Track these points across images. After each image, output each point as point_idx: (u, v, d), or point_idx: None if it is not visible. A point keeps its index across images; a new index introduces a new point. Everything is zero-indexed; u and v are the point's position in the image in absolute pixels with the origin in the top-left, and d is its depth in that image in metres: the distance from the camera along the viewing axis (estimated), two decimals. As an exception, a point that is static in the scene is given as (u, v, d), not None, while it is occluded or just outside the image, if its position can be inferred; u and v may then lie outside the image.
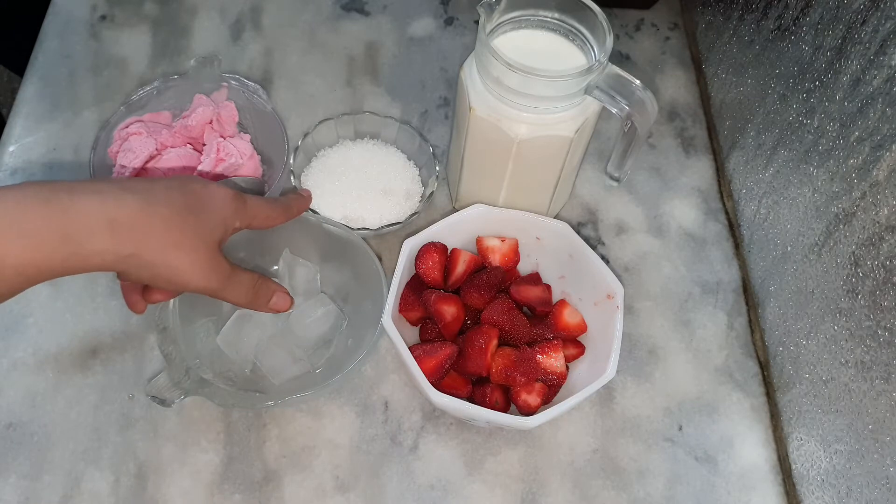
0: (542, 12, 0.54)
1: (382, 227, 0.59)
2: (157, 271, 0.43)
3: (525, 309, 0.57)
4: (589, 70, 0.50)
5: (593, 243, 0.65)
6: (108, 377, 0.56)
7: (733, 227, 0.66)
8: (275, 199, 0.53)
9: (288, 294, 0.52)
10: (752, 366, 0.60)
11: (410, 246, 0.55)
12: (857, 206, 0.48)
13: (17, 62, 0.80)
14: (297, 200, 0.55)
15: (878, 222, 0.45)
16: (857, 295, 0.47)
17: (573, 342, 0.56)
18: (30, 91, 0.70)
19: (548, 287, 0.58)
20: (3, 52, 1.03)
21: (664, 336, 0.61)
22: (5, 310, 0.58)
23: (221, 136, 0.62)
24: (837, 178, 0.50)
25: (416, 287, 0.56)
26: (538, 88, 0.50)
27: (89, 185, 0.41)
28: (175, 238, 0.43)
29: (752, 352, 0.61)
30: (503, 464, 0.54)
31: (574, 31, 0.53)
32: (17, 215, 0.38)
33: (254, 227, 0.50)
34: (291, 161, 0.61)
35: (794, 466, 0.54)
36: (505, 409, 0.53)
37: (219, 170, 0.59)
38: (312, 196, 0.58)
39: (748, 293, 0.63)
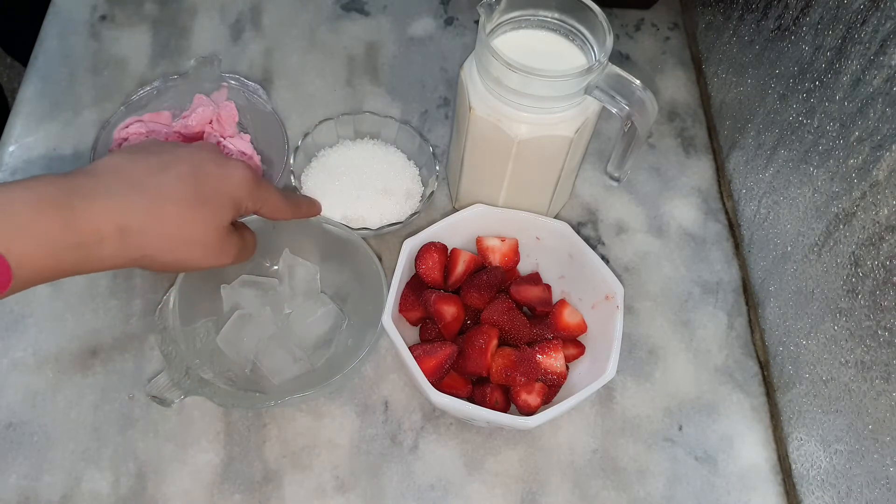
0: (542, 12, 0.54)
1: (382, 227, 0.59)
2: (168, 266, 0.45)
3: (525, 309, 0.57)
4: (589, 70, 0.50)
5: (593, 243, 0.65)
6: (108, 377, 0.56)
7: (733, 227, 0.66)
8: (288, 193, 0.53)
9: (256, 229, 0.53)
10: (752, 366, 0.60)
11: (410, 246, 0.55)
12: (857, 206, 0.48)
13: (22, 52, 0.80)
14: (308, 204, 0.56)
15: (878, 222, 0.45)
16: (857, 295, 0.47)
17: (573, 342, 0.56)
18: (30, 91, 0.69)
19: (548, 287, 0.58)
20: (7, 41, 1.03)
21: (664, 336, 0.61)
22: (5, 310, 0.58)
23: (221, 136, 0.62)
24: (837, 178, 0.50)
25: (416, 287, 0.56)
26: (538, 88, 0.50)
27: (101, 184, 0.42)
28: (185, 234, 0.44)
29: (752, 352, 0.61)
30: (503, 464, 0.54)
31: (574, 31, 0.53)
32: (30, 218, 0.39)
33: (260, 214, 0.50)
34: (291, 161, 0.61)
35: (794, 466, 0.54)
36: (505, 409, 0.53)
37: (219, 170, 0.60)
38: (313, 196, 0.58)
39: (748, 293, 0.63)
